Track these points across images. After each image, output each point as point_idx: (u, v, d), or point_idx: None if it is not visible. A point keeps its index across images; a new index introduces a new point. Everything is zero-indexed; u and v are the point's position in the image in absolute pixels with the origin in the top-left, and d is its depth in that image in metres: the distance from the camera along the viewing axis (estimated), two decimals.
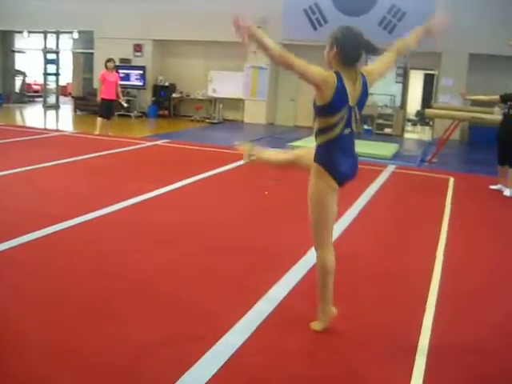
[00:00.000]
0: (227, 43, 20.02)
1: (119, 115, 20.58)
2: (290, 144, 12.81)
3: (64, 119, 20.67)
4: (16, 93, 25.40)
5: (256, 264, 5.07)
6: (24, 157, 9.46)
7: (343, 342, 3.77)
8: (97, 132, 12.91)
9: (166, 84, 21.30)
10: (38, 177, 8.00)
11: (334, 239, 3.87)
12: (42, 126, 16.77)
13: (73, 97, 27.05)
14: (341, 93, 3.54)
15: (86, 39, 24.20)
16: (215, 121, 20.03)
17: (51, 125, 18.43)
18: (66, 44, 26.05)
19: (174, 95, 21.25)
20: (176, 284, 4.50)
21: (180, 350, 3.46)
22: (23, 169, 8.20)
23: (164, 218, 6.29)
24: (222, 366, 3.28)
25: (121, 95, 13.56)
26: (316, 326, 3.96)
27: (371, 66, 3.90)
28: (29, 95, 26.71)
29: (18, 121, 19.61)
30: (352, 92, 3.61)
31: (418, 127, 22.50)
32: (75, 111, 21.94)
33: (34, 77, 28.10)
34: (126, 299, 4.15)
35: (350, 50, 3.63)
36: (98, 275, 4.57)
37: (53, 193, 7.08)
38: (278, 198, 7.60)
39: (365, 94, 3.71)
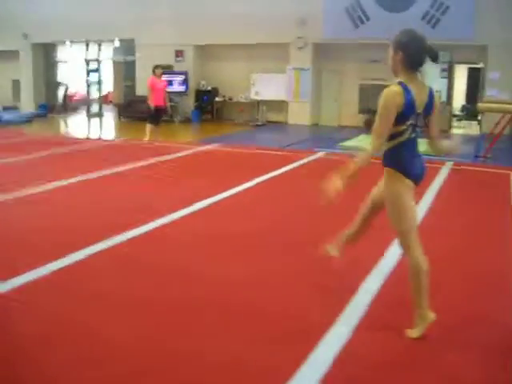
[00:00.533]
0: (268, 45, 20.07)
1: (163, 121, 20.73)
2: (341, 144, 12.67)
3: (111, 127, 20.83)
4: (59, 103, 25.71)
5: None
6: (86, 165, 9.54)
7: (440, 347, 3.67)
8: (146, 138, 12.93)
9: (209, 88, 21.34)
10: (103, 185, 8.07)
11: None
12: (94, 136, 16.95)
13: (114, 104, 27.36)
14: (409, 103, 3.63)
15: (127, 47, 24.41)
16: (259, 123, 19.98)
17: (102, 133, 18.64)
18: (106, 53, 26.29)
19: (216, 99, 21.28)
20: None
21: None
22: (85, 177, 8.27)
23: (236, 225, 6.25)
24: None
25: (168, 102, 13.62)
26: (413, 333, 3.83)
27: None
28: (71, 105, 27.01)
29: (68, 130, 19.83)
30: (419, 100, 3.68)
31: (464, 122, 22.13)
32: (119, 118, 22.09)
33: (75, 87, 28.44)
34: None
35: (415, 54, 3.68)
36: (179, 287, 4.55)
37: (120, 201, 7.11)
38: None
39: (431, 103, 3.78)
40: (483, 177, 10.05)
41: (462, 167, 10.80)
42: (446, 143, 4.13)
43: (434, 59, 3.74)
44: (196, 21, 20.80)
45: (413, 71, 3.70)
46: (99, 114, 24.13)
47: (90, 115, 24.16)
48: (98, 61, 24.73)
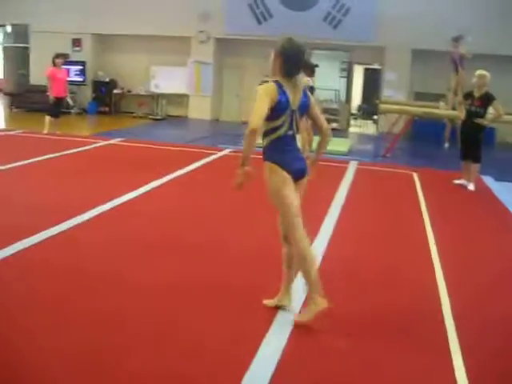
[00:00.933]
0: (169, 38, 19.74)
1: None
2: None
3: (1, 117, 19.87)
4: None
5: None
6: None
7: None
8: (45, 131, 12.38)
9: (107, 80, 20.75)
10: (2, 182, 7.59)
11: (325, 242, 3.78)
12: None
13: (5, 93, 26.10)
14: (283, 100, 3.88)
15: (20, 33, 23.35)
16: (159, 117, 19.65)
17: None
18: None
19: (115, 91, 20.72)
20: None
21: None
22: None
23: (148, 227, 6.04)
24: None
25: (67, 92, 13.10)
26: (302, 317, 3.98)
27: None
28: None
29: None
30: (293, 98, 3.93)
31: (360, 121, 22.70)
32: (11, 109, 21.11)
33: None
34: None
35: (293, 65, 3.94)
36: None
37: (22, 200, 6.70)
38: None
39: (305, 102, 4.03)
40: (389, 177, 10.28)
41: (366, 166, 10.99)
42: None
43: (309, 72, 4.58)
44: (95, 9, 20.13)
45: (289, 78, 3.94)
46: None
47: None
48: None
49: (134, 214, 6.27)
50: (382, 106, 14.24)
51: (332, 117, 19.50)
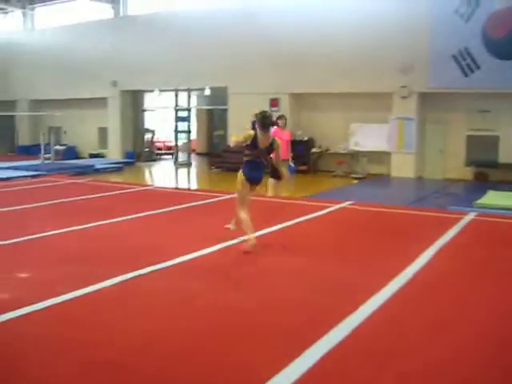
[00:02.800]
0: (368, 94, 19.20)
1: None
2: (478, 202, 11.52)
3: (207, 178, 20.13)
4: (145, 151, 25.36)
5: None
6: (209, 226, 8.58)
7: None
8: (269, 194, 12.05)
9: (305, 139, 20.52)
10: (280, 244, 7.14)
11: None
12: (194, 187, 16.27)
13: (197, 153, 26.92)
14: (255, 142, 6.83)
15: (217, 95, 23.99)
16: (360, 176, 19.01)
17: (200, 184, 18.01)
18: (194, 101, 25.95)
19: (313, 150, 20.42)
20: None
21: None
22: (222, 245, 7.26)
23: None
24: None
25: (291, 154, 12.67)
26: (244, 247, 6.79)
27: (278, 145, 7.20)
28: (156, 153, 26.69)
29: (163, 180, 19.25)
30: (262, 143, 6.87)
31: None
32: (210, 169, 21.46)
33: (161, 135, 28.24)
34: None
35: (263, 126, 6.87)
36: None
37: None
38: None
39: (271, 146, 7.00)
40: None
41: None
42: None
43: (271, 127, 7.15)
44: (292, 68, 20.16)
45: (263, 131, 6.87)
46: (188, 164, 23.57)
47: (178, 164, 23.64)
48: (188, 109, 24.27)
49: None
50: None
51: None
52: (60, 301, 4.88)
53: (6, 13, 29.67)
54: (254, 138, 6.79)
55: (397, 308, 4.88)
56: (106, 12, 25.10)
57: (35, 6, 28.37)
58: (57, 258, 6.49)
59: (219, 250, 6.85)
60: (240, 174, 6.97)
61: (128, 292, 5.24)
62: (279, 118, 12.47)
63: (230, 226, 7.60)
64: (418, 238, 7.77)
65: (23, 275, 5.87)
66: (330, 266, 6.27)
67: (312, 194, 14.18)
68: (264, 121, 6.83)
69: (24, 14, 28.39)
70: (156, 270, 5.88)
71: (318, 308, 4.86)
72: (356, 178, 18.82)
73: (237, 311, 4.74)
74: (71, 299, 4.95)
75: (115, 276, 5.56)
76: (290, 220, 8.85)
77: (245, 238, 6.82)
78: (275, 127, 12.47)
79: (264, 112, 7.02)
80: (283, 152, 12.07)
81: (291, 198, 11.91)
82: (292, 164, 12.69)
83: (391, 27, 18.24)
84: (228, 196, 11.33)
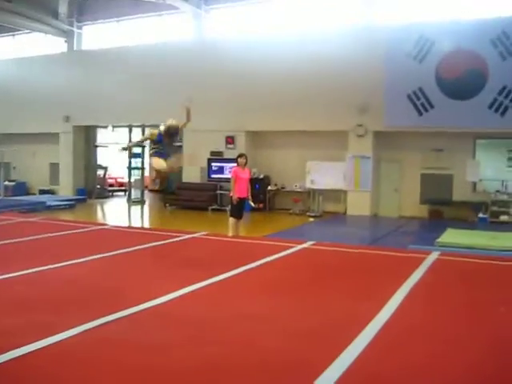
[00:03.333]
0: (324, 132, 19.31)
1: (213, 209, 19.78)
2: (439, 241, 11.55)
3: (163, 217, 19.76)
4: (97, 187, 24.90)
5: None
6: (173, 268, 8.31)
7: None
8: (230, 233, 11.84)
9: (261, 176, 20.42)
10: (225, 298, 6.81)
11: None
12: (150, 226, 15.93)
13: (150, 190, 26.58)
14: (160, 138, 9.49)
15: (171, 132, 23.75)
16: (316, 214, 18.97)
17: (156, 223, 17.65)
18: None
19: (269, 188, 20.32)
20: None
21: None
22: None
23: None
24: None
25: (250, 193, 12.51)
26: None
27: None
28: (109, 190, 26.24)
29: (117, 219, 18.79)
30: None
31: None
32: (165, 206, 21.12)
33: (114, 171, 27.83)
34: None
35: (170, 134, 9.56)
36: None
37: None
38: None
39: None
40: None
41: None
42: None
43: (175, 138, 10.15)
44: (248, 106, 20.17)
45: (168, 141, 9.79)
46: (141, 201, 23.18)
47: (131, 202, 23.23)
48: (142, 146, 23.95)
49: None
50: None
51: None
52: (19, 354, 4.52)
53: None
54: (159, 137, 9.55)
55: (377, 358, 4.68)
56: (60, 46, 24.74)
57: None
58: (13, 304, 6.10)
59: (185, 295, 6.55)
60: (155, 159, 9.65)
61: (96, 343, 4.91)
62: (239, 156, 12.38)
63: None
64: (386, 279, 7.63)
65: None
66: (302, 310, 6.06)
67: (272, 233, 14.01)
68: (169, 130, 9.59)
69: None
70: (124, 317, 5.56)
71: (295, 359, 4.63)
72: (312, 216, 18.77)
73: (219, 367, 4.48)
74: (33, 352, 4.59)
75: (79, 324, 5.22)
76: (253, 261, 8.62)
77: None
78: (235, 165, 12.39)
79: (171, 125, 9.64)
80: (242, 190, 12.00)
81: (251, 238, 11.69)
82: (251, 203, 12.55)
83: (347, 67, 18.46)
84: (188, 236, 11.05)
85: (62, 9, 24.03)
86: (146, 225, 17.42)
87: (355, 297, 6.64)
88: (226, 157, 20.71)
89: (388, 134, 18.86)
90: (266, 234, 13.58)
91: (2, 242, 10.22)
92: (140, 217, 20.60)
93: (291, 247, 10.14)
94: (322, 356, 4.61)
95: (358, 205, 19.05)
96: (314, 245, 10.56)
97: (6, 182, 21.83)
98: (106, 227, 13.56)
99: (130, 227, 13.71)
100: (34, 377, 4.20)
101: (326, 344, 5.00)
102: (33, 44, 25.89)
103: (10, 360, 4.42)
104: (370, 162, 18.94)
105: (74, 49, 24.75)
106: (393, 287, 6.91)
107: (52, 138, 24.81)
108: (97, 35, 24.34)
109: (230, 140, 20.81)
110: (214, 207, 20.00)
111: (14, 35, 26.77)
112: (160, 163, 9.69)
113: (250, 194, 12.41)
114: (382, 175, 19.56)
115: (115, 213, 21.21)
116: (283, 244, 10.52)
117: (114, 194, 26.49)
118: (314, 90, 19.00)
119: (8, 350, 4.54)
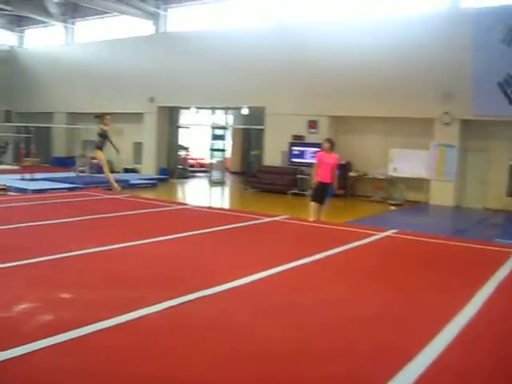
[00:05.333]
0: (409, 119, 18.89)
1: (293, 194, 19.75)
2: None
3: (243, 198, 19.88)
4: (179, 168, 25.27)
5: None
6: (257, 249, 8.36)
7: None
8: (310, 218, 11.76)
9: (342, 162, 20.17)
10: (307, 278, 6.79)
11: None
12: (231, 207, 16.07)
13: (231, 172, 26.79)
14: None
15: (253, 115, 23.89)
16: (398, 202, 18.63)
17: (237, 204, 17.81)
18: (230, 120, 25.83)
19: (350, 174, 20.10)
20: None
21: None
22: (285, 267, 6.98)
23: None
24: None
25: (335, 179, 12.33)
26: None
27: None
28: (191, 170, 26.61)
29: (199, 199, 19.04)
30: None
31: None
32: (245, 189, 21.23)
33: (196, 152, 28.21)
34: None
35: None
36: None
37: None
38: None
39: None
40: None
41: None
42: None
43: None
44: (332, 91, 19.94)
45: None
46: (222, 182, 23.40)
47: (212, 183, 23.48)
48: (224, 128, 24.17)
49: None
50: None
51: None
52: (103, 327, 4.62)
53: (46, 27, 29.94)
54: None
55: (462, 354, 4.55)
56: (147, 28, 25.14)
57: (76, 20, 28.61)
58: (99, 279, 6.26)
59: (267, 277, 6.55)
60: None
61: (176, 321, 4.97)
62: (325, 140, 12.27)
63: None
64: (471, 272, 7.42)
65: (64, 296, 5.62)
66: (386, 298, 5.96)
67: (352, 220, 13.86)
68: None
69: (65, 28, 28.61)
70: (206, 296, 5.61)
71: (383, 345, 4.55)
72: (394, 205, 18.45)
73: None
74: (115, 326, 4.68)
75: (162, 301, 5.30)
76: (335, 247, 8.54)
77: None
78: (320, 150, 12.30)
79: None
80: (326, 175, 11.87)
81: (332, 224, 11.59)
82: (335, 189, 12.43)
83: (433, 53, 17.93)
84: (270, 219, 11.07)
85: None
86: (227, 206, 17.54)
87: (440, 289, 6.49)
88: (307, 141, 20.57)
89: (475, 123, 18.27)
90: (346, 221, 13.42)
91: (89, 217, 10.53)
92: (220, 198, 20.76)
93: (373, 235, 10.01)
94: (410, 344, 4.52)
95: (441, 194, 18.58)
96: (396, 233, 10.40)
97: (92, 160, 22.34)
98: (187, 207, 13.75)
99: (210, 208, 13.84)
100: (122, 348, 4.29)
101: (413, 332, 4.91)
102: (121, 26, 26.39)
103: (97, 331, 4.53)
104: (455, 150, 18.40)
105: (160, 31, 25.08)
106: (478, 281, 6.72)
107: (136, 117, 25.32)
108: (182, 18, 24.55)
109: (312, 124, 20.65)
110: (293, 191, 19.92)
111: (102, 18, 27.35)
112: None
113: (335, 179, 12.22)
114: (468, 165, 18.97)
115: (196, 193, 21.47)
116: (365, 231, 10.40)
117: (195, 174, 26.77)
118: (399, 75, 18.58)
119: (95, 322, 4.67)
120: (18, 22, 31.06)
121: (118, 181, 17.30)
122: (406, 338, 4.73)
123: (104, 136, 16.49)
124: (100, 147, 16.52)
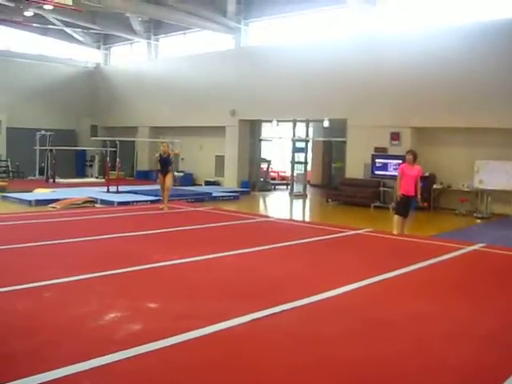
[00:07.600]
0: (495, 130, 18.36)
1: (375, 207, 19.52)
2: None
3: (325, 211, 19.78)
4: (260, 180, 25.43)
5: None
6: (344, 262, 8.32)
7: None
8: (394, 231, 11.61)
9: (426, 174, 19.81)
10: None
11: None
12: (314, 220, 16.02)
13: (312, 185, 26.77)
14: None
15: (334, 127, 23.85)
16: (484, 215, 18.10)
17: (319, 217, 17.73)
18: (310, 132, 25.84)
19: (434, 186, 19.70)
20: None
21: None
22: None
23: None
24: None
25: (419, 192, 12.10)
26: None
27: None
28: (272, 183, 26.74)
29: (282, 212, 19.10)
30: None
31: None
32: (327, 201, 21.14)
33: (277, 165, 28.34)
34: None
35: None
36: None
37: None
38: None
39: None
40: None
41: None
42: None
43: None
44: (413, 102, 19.63)
45: None
46: (303, 195, 23.38)
47: (293, 195, 23.52)
48: (306, 141, 24.19)
49: None
50: None
51: None
52: (190, 337, 4.70)
53: (131, 44, 30.84)
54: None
55: None
56: (227, 43, 25.49)
57: (159, 36, 29.32)
58: (184, 290, 6.37)
59: (353, 291, 6.50)
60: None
61: (265, 332, 5.00)
62: (407, 152, 12.11)
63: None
64: None
65: (151, 305, 5.75)
66: (476, 313, 5.81)
67: (437, 233, 13.57)
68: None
69: (148, 45, 29.37)
70: (292, 308, 5.63)
71: (474, 363, 4.44)
72: (480, 218, 17.95)
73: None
74: (201, 336, 4.76)
75: (248, 312, 5.34)
76: (421, 261, 8.40)
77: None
78: (403, 162, 12.14)
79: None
80: (409, 188, 11.69)
81: (417, 237, 11.40)
82: (419, 202, 12.22)
83: None
84: (353, 231, 10.99)
85: (231, 7, 24.66)
86: (308, 218, 17.51)
87: None
88: (390, 153, 20.32)
89: None
90: (431, 234, 13.16)
91: (174, 229, 10.75)
92: (302, 210, 20.75)
93: (460, 248, 9.80)
94: (503, 362, 4.40)
95: None
96: (484, 247, 10.14)
97: (176, 173, 22.81)
98: (270, 219, 13.83)
99: (292, 220, 13.86)
100: (207, 360, 4.35)
101: (505, 350, 4.77)
102: (203, 42, 26.86)
103: (183, 342, 4.62)
104: None
105: (241, 45, 25.37)
106: None
107: (218, 131, 25.65)
108: (262, 32, 24.75)
109: (394, 136, 20.37)
110: (376, 204, 19.69)
111: (185, 33, 27.92)
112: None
113: (419, 192, 12.01)
114: None
115: (278, 205, 21.54)
116: (451, 245, 10.20)
117: (276, 187, 26.87)
118: (481, 85, 18.13)
119: (181, 333, 4.76)
120: (104, 40, 32.14)
121: (200, 193, 17.53)
122: (498, 356, 4.60)
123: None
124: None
